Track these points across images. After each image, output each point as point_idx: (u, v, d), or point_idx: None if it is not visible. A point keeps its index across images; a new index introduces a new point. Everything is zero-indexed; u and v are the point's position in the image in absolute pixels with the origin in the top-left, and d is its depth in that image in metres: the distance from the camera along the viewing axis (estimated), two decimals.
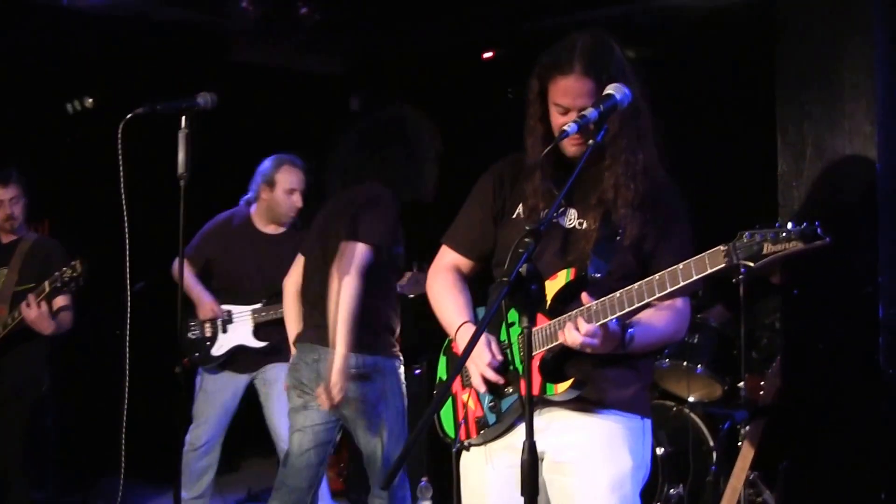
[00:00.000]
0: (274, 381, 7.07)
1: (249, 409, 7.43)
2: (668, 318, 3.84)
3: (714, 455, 7.03)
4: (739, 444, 6.38)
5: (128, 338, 4.86)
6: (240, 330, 7.09)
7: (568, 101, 3.75)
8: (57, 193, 8.95)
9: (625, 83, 3.63)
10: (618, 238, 3.78)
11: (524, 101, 3.95)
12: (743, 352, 6.93)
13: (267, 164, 7.09)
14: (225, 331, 7.10)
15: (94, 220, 8.17)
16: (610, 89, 3.54)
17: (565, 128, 3.44)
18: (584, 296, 3.59)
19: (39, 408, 6.88)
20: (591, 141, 3.46)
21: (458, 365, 3.33)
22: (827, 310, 5.08)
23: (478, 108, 10.39)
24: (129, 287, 4.81)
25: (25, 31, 8.21)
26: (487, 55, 10.28)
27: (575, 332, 3.53)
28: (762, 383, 7.13)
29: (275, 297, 6.80)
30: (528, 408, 3.20)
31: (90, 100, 4.99)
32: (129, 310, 4.88)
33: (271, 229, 7.21)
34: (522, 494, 3.22)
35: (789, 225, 3.21)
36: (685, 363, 7.17)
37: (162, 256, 7.19)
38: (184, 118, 4.68)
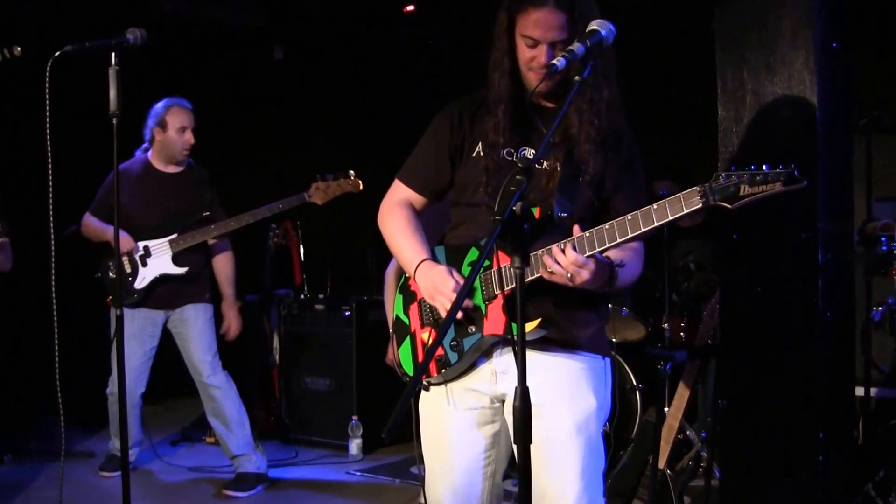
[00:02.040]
0: (193, 319, 7.44)
1: (168, 347, 7.58)
2: (635, 259, 3.88)
3: (638, 395, 7.27)
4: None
5: (53, 281, 4.80)
6: (159, 261, 7.32)
7: (539, 34, 3.73)
8: None
9: (593, 18, 3.63)
10: (581, 176, 3.80)
11: (491, 36, 3.93)
12: (666, 293, 7.04)
13: (157, 107, 7.43)
14: (145, 264, 7.31)
15: (21, 164, 8.12)
16: (595, 25, 3.51)
17: (554, 62, 3.41)
18: (576, 228, 3.58)
19: None
20: (577, 77, 3.43)
21: (459, 297, 3.18)
22: (766, 255, 5.13)
23: (400, 60, 10.40)
24: (52, 231, 4.75)
25: None
26: (409, 8, 10.31)
27: (564, 259, 3.51)
28: (682, 324, 7.30)
29: (187, 228, 7.25)
30: (521, 352, 3.19)
31: (18, 48, 4.91)
32: (53, 254, 4.82)
33: (171, 168, 7.52)
34: (516, 442, 3.22)
35: (764, 167, 3.25)
36: (610, 305, 7.24)
37: (86, 197, 7.32)
38: (114, 55, 4.64)
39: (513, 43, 3.86)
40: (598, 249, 3.53)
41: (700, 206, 3.33)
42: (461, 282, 3.77)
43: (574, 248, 3.51)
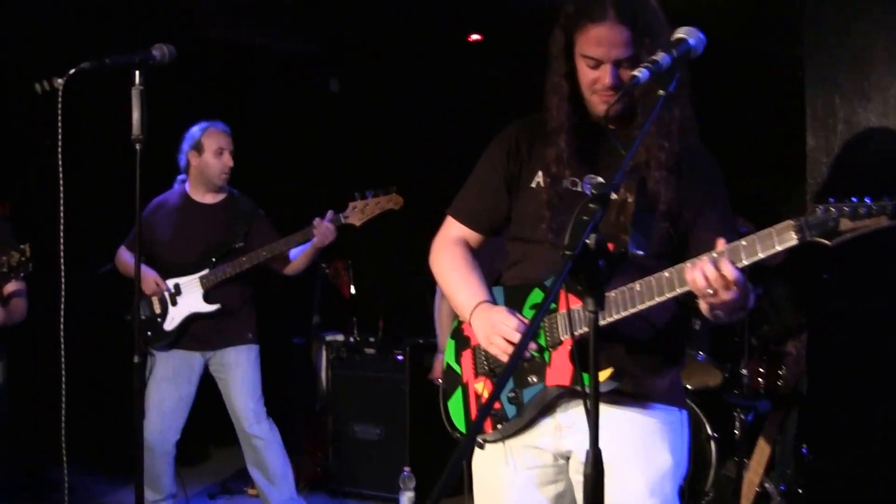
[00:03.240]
0: (234, 364, 7.05)
1: (209, 391, 7.25)
2: None
3: (713, 445, 6.81)
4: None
5: (62, 324, 4.48)
6: (189, 299, 6.95)
7: (601, 53, 3.39)
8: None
9: (660, 30, 3.34)
10: (655, 208, 3.44)
11: (547, 56, 3.59)
12: (746, 336, 6.66)
13: (192, 130, 7.09)
14: (175, 303, 6.95)
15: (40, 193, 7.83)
16: (682, 33, 3.12)
17: (636, 73, 3.00)
18: (720, 242, 3.15)
19: None
20: (661, 91, 3.04)
21: (522, 341, 2.77)
22: (860, 291, 4.86)
23: (462, 91, 10.10)
24: (62, 269, 4.42)
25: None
26: (475, 37, 9.98)
27: (713, 273, 3.08)
28: (761, 370, 6.90)
29: (220, 260, 6.87)
30: (594, 409, 2.81)
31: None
32: (63, 295, 4.48)
33: (209, 198, 7.16)
34: None
35: (866, 199, 2.90)
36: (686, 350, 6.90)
37: (118, 232, 7.10)
38: (137, 73, 4.31)
39: (571, 64, 3.53)
40: (666, 296, 3.21)
41: (796, 242, 2.98)
42: (525, 322, 3.43)
43: (731, 263, 3.09)
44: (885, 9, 4.74)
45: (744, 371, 6.71)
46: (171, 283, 6.94)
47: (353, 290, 9.55)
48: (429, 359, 7.89)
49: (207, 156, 7.01)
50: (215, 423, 7.67)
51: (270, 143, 9.87)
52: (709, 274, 3.08)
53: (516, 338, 3.38)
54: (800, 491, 6.02)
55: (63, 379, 4.57)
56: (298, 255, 7.00)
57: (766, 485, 6.43)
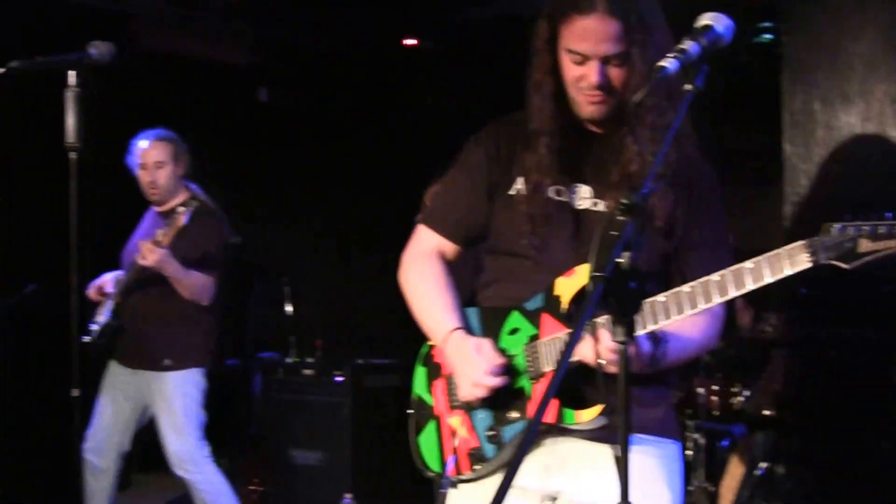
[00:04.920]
0: (155, 394, 6.66)
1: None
2: (705, 326, 3.27)
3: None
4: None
5: None
6: (104, 309, 6.68)
7: (588, 47, 3.11)
8: None
9: (655, 26, 3.11)
10: (649, 222, 3.16)
11: (529, 51, 3.32)
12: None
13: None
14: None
15: None
16: (707, 19, 2.82)
17: (664, 63, 2.70)
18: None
19: None
20: (687, 86, 2.74)
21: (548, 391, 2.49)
22: (840, 311, 4.74)
23: (398, 97, 10.01)
24: None
25: None
26: (410, 42, 9.88)
27: (605, 349, 2.91)
28: (715, 388, 6.71)
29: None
30: (624, 452, 2.56)
31: None
32: None
33: (162, 207, 6.82)
34: None
35: (887, 215, 2.71)
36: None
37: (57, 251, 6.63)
38: (72, 74, 4.06)
39: (556, 59, 3.25)
40: (670, 319, 2.97)
41: (809, 265, 2.77)
42: (495, 361, 3.17)
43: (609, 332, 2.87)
44: (864, 9, 4.61)
45: (699, 389, 6.51)
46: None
47: (289, 308, 9.28)
48: (371, 380, 7.66)
49: (137, 172, 6.77)
50: (138, 447, 7.18)
51: (199, 154, 9.62)
52: (604, 343, 2.92)
53: (489, 382, 3.15)
54: None
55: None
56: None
57: None
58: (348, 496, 7.76)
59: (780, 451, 5.71)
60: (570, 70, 3.19)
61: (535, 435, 2.54)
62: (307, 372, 8.39)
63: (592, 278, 2.41)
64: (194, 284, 6.39)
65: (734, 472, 5.62)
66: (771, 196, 4.89)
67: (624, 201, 2.47)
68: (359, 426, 7.95)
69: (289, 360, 8.74)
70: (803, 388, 4.87)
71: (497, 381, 3.13)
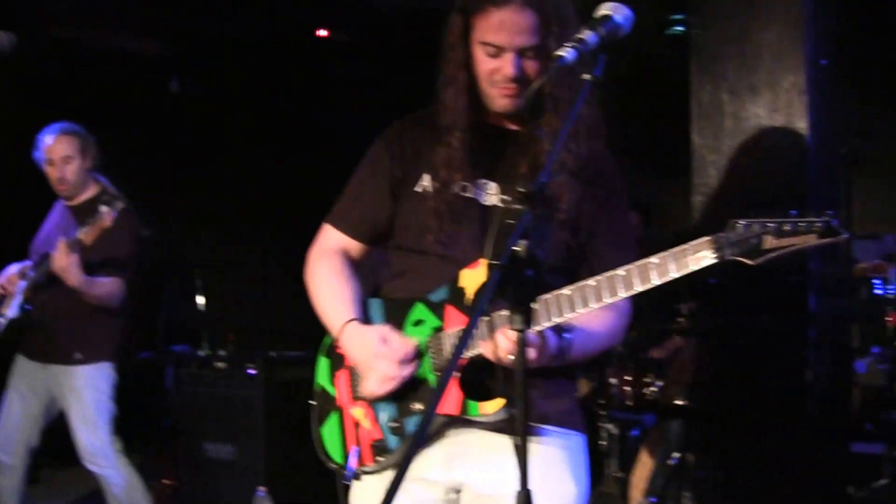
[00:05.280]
0: (65, 389, 6.57)
1: None
2: (610, 321, 3.26)
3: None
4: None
5: None
6: (13, 302, 6.45)
7: (503, 39, 3.11)
8: None
9: (570, 18, 3.09)
10: (553, 216, 3.16)
11: (441, 44, 3.29)
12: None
13: None
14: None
15: None
16: (606, 9, 2.83)
17: (561, 53, 2.71)
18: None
19: None
20: (586, 76, 2.74)
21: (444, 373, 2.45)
22: (748, 302, 4.70)
23: (311, 88, 9.90)
24: None
25: None
26: (322, 33, 9.85)
27: (504, 342, 2.89)
28: (628, 378, 6.73)
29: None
30: (523, 441, 2.52)
31: None
32: None
33: (72, 201, 6.73)
34: None
35: (792, 212, 2.73)
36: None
37: None
38: None
39: (469, 53, 3.22)
40: (576, 312, 2.94)
41: (714, 261, 2.79)
42: (405, 348, 3.13)
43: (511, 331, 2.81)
44: (773, 1, 4.64)
45: (612, 380, 6.52)
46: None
47: (202, 301, 9.21)
48: (283, 372, 7.60)
49: (44, 167, 6.66)
50: (47, 442, 7.08)
51: (109, 145, 9.53)
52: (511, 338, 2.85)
53: (403, 372, 3.11)
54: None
55: None
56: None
57: (640, 500, 6.28)
58: (262, 489, 7.71)
59: (691, 440, 5.72)
60: (485, 63, 3.18)
61: (428, 428, 2.50)
62: (219, 365, 8.34)
63: (489, 267, 2.38)
64: (99, 294, 6.29)
65: (645, 461, 5.64)
66: (682, 187, 4.85)
67: (521, 190, 2.46)
68: (271, 419, 7.90)
69: (201, 354, 8.71)
70: (713, 377, 4.85)
71: (409, 370, 3.10)
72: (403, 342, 3.13)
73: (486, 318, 2.95)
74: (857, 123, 7.15)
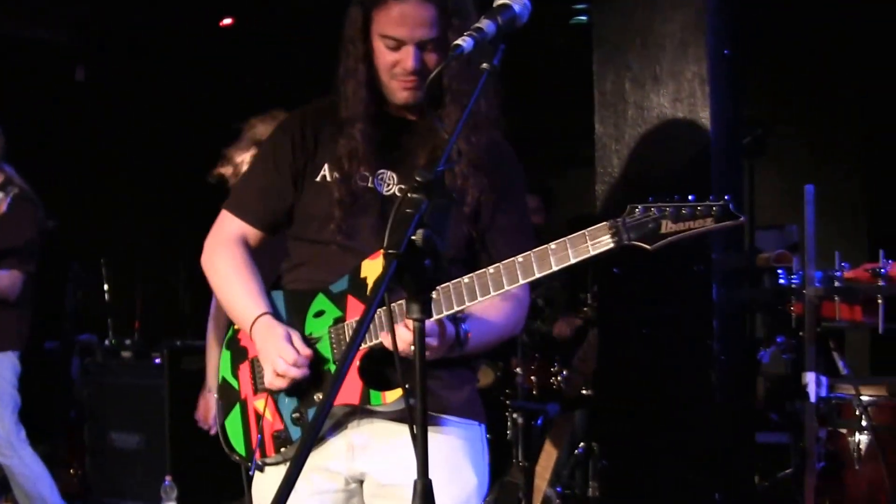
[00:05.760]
0: None
1: None
2: (508, 311, 3.27)
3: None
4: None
5: None
6: None
7: (403, 32, 3.11)
8: None
9: (470, 11, 3.08)
10: (453, 206, 3.14)
11: (340, 38, 3.27)
12: (519, 335, 6.49)
13: None
14: None
15: None
16: None
17: (459, 42, 2.67)
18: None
19: None
20: (484, 65, 2.70)
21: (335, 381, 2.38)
22: (653, 292, 4.70)
23: (216, 77, 9.87)
24: None
25: None
26: (226, 22, 9.75)
27: (404, 332, 2.86)
28: (532, 368, 6.74)
29: None
30: (422, 430, 2.48)
31: None
32: None
33: None
34: None
35: (690, 198, 2.72)
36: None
37: None
38: None
39: (369, 46, 3.21)
40: (476, 300, 2.93)
41: (612, 246, 2.76)
42: (303, 353, 3.13)
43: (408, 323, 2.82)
44: None
45: (518, 370, 6.54)
46: None
47: (107, 290, 9.09)
48: (188, 361, 7.54)
49: None
50: None
51: (13, 134, 9.40)
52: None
53: (293, 373, 3.10)
54: (590, 494, 5.85)
55: None
56: None
57: (546, 489, 6.28)
58: (168, 478, 7.65)
59: (596, 430, 5.74)
60: (385, 56, 3.17)
61: (324, 417, 2.45)
62: (125, 354, 8.30)
63: (386, 255, 2.34)
64: None
65: (549, 451, 5.66)
66: (586, 176, 4.84)
67: (418, 179, 2.43)
68: (177, 408, 7.87)
69: (107, 343, 8.62)
70: (618, 368, 4.83)
71: (299, 373, 3.09)
72: (303, 349, 3.13)
73: (386, 309, 2.92)
74: (761, 114, 7.20)
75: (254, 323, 3.23)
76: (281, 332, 3.15)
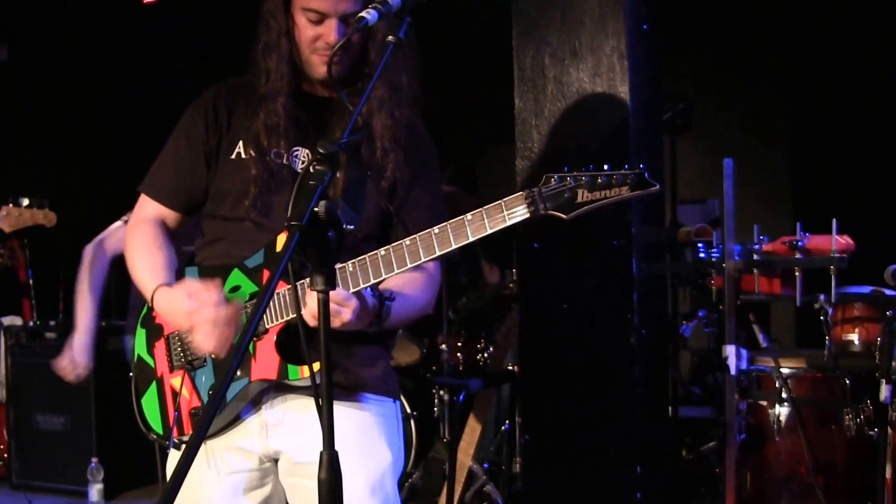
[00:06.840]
0: None
1: None
2: (423, 286, 3.27)
3: (413, 424, 6.73)
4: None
5: None
6: None
7: (326, 6, 3.09)
8: None
9: None
10: (370, 181, 3.13)
11: (259, 12, 3.24)
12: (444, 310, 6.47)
13: None
14: None
15: None
16: None
17: (363, 14, 2.67)
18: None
19: None
20: (389, 38, 2.70)
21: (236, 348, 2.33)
22: (573, 266, 4.69)
23: (140, 55, 9.79)
24: None
25: None
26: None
27: (315, 305, 2.77)
28: (459, 344, 6.73)
29: None
30: (327, 404, 2.44)
31: None
32: None
33: None
34: None
35: (606, 167, 2.72)
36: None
37: None
38: None
39: (290, 20, 3.19)
40: (393, 272, 2.91)
41: (528, 216, 2.76)
42: (212, 292, 3.01)
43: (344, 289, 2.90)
44: None
45: (443, 347, 6.53)
46: None
47: (30, 271, 8.93)
48: (114, 342, 7.45)
49: None
50: None
51: None
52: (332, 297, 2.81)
53: (212, 314, 2.98)
54: (515, 469, 5.85)
55: None
56: None
57: (472, 464, 6.27)
58: (94, 460, 7.61)
59: (519, 405, 5.73)
60: (306, 30, 3.15)
61: (227, 388, 2.39)
62: (49, 335, 8.26)
63: (288, 227, 2.31)
64: None
65: (473, 426, 5.63)
66: (507, 152, 4.81)
67: (321, 151, 2.41)
68: (102, 389, 7.84)
69: (31, 324, 8.56)
70: (538, 341, 4.81)
71: (229, 310, 2.99)
72: (207, 287, 3.03)
73: (301, 282, 2.90)
74: (685, 90, 7.19)
75: (153, 297, 3.19)
76: (181, 294, 3.06)
